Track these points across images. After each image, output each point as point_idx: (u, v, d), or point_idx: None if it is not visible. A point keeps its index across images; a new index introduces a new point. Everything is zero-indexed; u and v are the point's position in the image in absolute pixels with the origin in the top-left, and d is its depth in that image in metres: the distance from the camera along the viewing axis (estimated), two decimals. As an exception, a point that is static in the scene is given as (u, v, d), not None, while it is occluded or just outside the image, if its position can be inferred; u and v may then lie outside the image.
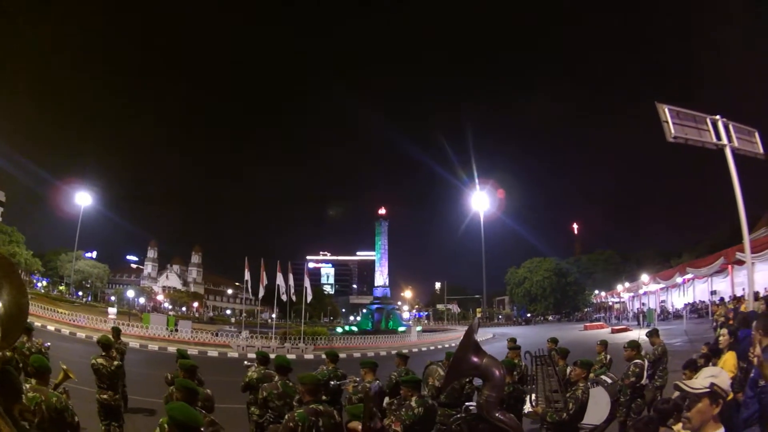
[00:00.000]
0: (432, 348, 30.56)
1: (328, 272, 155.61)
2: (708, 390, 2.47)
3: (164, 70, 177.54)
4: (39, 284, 75.89)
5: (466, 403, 5.94)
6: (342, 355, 23.68)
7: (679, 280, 38.15)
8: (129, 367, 8.69)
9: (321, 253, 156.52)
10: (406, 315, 79.50)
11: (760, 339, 4.83)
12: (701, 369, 6.19)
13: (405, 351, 9.81)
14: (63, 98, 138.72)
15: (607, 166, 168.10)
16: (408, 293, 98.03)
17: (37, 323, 14.74)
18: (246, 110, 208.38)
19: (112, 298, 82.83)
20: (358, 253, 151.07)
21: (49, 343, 9.14)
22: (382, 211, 55.39)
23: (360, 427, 2.89)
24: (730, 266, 30.03)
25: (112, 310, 39.42)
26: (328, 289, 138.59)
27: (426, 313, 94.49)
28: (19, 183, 66.18)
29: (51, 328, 25.32)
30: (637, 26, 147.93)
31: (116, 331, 10.09)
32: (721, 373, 2.56)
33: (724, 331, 5.98)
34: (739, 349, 5.95)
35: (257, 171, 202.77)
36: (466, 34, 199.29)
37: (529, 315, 78.79)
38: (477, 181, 66.28)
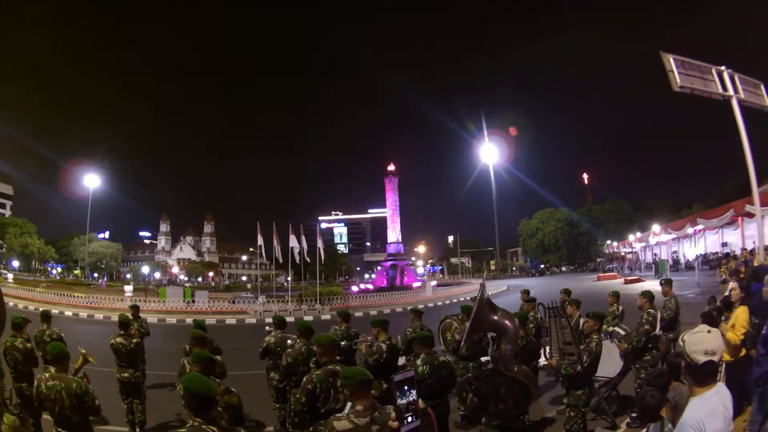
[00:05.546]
0: (447, 302, 30.90)
1: (341, 231, 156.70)
2: None
3: (164, 45, 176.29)
4: (54, 271, 77.03)
5: (482, 359, 6.03)
6: (358, 314, 24.09)
7: (690, 230, 37.88)
8: (147, 342, 8.78)
9: (333, 212, 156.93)
10: (420, 270, 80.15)
11: None
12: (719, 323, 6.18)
13: (420, 306, 9.93)
14: (66, 80, 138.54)
15: (617, 116, 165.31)
16: (421, 248, 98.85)
17: (54, 310, 14.89)
18: (247, 73, 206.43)
19: (128, 275, 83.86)
20: (369, 210, 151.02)
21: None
22: (392, 167, 54.84)
23: None
24: (740, 218, 29.67)
25: (128, 288, 39.63)
26: (342, 249, 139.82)
27: (440, 267, 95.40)
28: (28, 169, 66.40)
29: (69, 313, 25.78)
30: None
31: (135, 309, 10.01)
32: (689, 337, 2.39)
33: (735, 285, 5.85)
34: (750, 303, 5.79)
35: (264, 135, 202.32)
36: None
37: (542, 266, 79.18)
38: (486, 132, 65.68)
